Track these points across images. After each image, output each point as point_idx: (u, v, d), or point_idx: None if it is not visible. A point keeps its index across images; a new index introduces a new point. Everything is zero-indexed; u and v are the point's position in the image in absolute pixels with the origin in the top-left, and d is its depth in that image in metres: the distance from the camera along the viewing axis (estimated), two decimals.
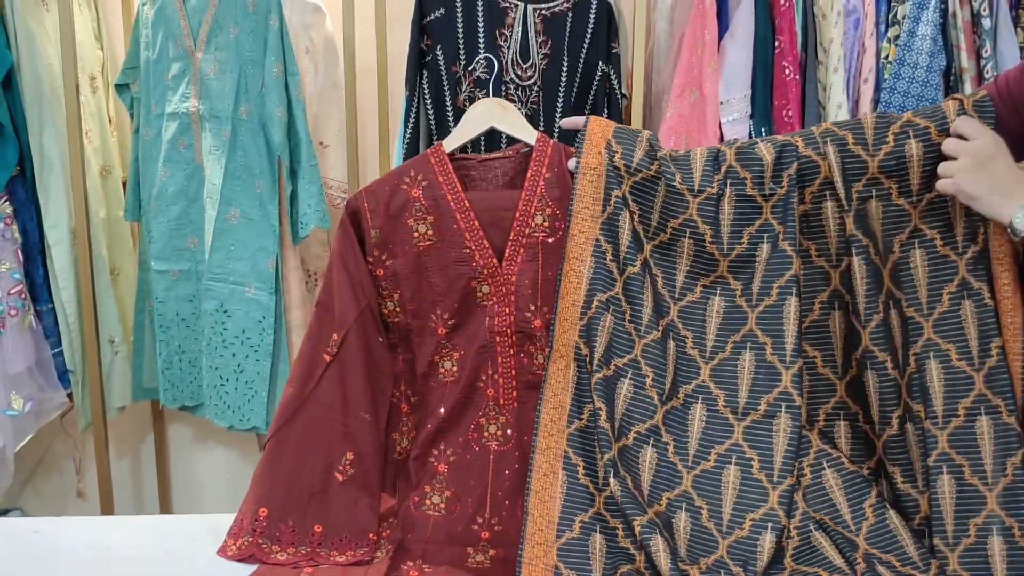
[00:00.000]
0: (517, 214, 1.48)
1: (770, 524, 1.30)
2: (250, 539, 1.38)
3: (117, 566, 1.34)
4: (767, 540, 1.28)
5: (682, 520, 1.32)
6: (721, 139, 2.11)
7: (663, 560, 1.24)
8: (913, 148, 1.27)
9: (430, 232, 1.49)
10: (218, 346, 2.23)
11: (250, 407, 2.23)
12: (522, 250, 1.48)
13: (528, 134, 1.55)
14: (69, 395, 2.42)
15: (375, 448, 1.47)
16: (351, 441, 1.45)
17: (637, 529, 1.27)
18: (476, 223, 1.49)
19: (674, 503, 1.33)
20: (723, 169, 1.34)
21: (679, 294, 1.38)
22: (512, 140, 1.64)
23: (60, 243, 2.29)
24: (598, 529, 1.32)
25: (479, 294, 1.49)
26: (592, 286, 1.40)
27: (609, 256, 1.40)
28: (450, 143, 1.57)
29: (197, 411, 2.40)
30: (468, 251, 1.48)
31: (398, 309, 1.50)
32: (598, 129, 1.45)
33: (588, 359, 1.38)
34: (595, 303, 1.39)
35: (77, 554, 1.39)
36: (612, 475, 1.31)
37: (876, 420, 1.30)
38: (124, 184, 2.50)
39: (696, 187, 1.35)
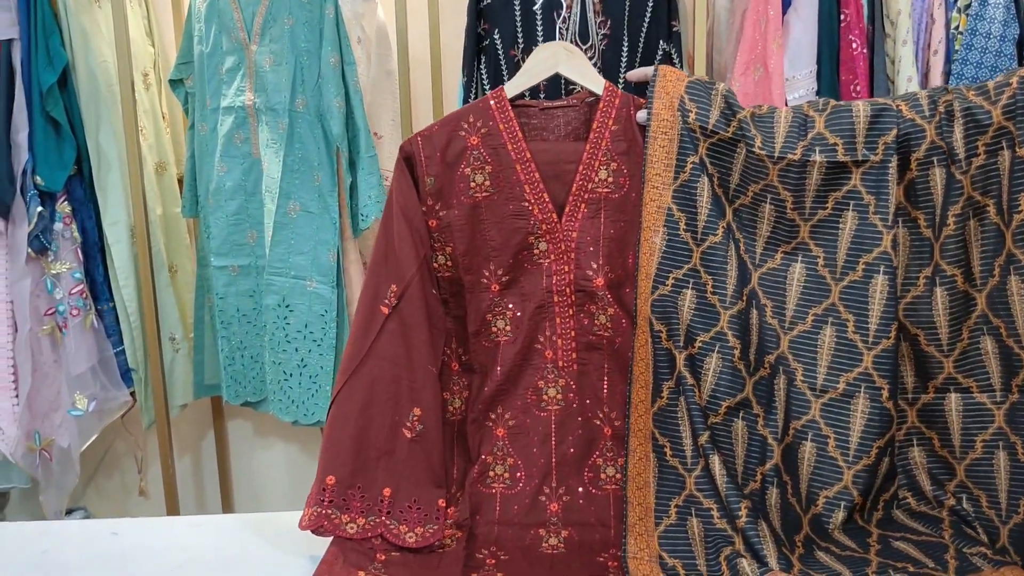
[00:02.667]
0: (580, 167, 1.41)
1: (843, 503, 1.26)
2: (319, 510, 1.32)
3: (197, 567, 1.32)
4: (838, 517, 1.25)
5: (773, 496, 1.28)
6: None
7: (770, 547, 1.20)
8: None
9: (487, 183, 1.42)
10: (281, 341, 2.21)
11: (314, 401, 2.21)
12: (583, 206, 1.40)
13: (595, 83, 1.46)
14: (132, 394, 2.42)
15: (440, 403, 1.41)
16: (417, 396, 1.38)
17: (743, 517, 1.23)
18: (537, 175, 1.41)
19: (768, 477, 1.29)
20: (809, 135, 1.27)
21: (760, 260, 1.32)
22: (574, 91, 1.56)
23: (119, 241, 2.29)
24: (693, 512, 1.27)
25: (536, 251, 1.42)
26: (664, 259, 1.34)
27: (683, 226, 1.34)
28: (512, 88, 1.48)
29: (260, 407, 2.39)
30: (527, 204, 1.41)
31: (449, 263, 1.43)
32: (671, 83, 1.36)
33: (663, 335, 1.33)
34: (671, 280, 1.33)
35: (156, 556, 1.37)
36: (710, 453, 1.27)
37: (997, 388, 1.24)
38: (179, 181, 2.49)
39: (776, 153, 1.27)
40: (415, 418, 1.38)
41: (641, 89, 1.40)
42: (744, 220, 1.33)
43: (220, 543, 1.43)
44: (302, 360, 2.21)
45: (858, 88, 2.05)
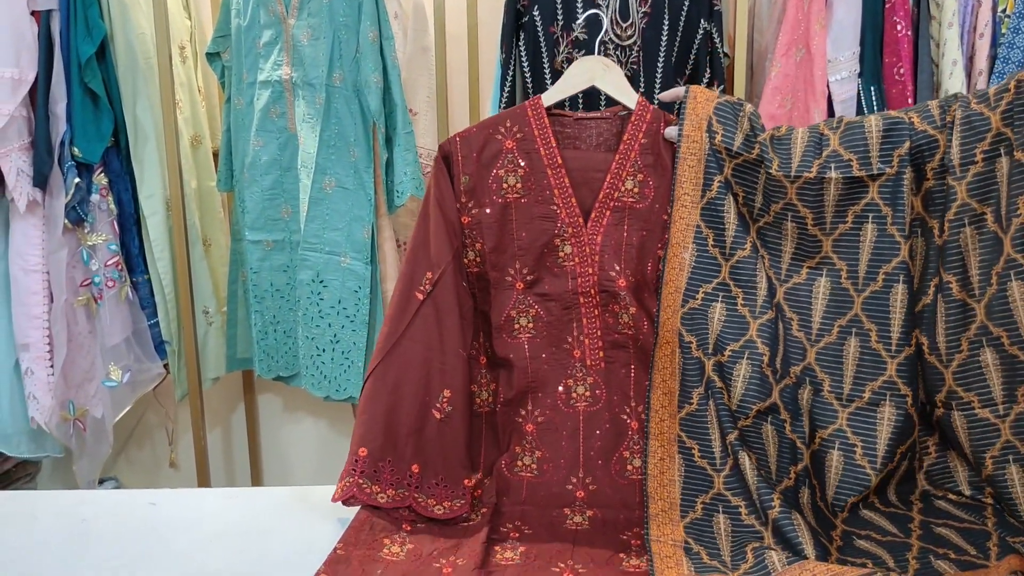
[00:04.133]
0: (608, 177, 1.47)
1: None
2: (351, 480, 1.38)
3: (231, 538, 1.33)
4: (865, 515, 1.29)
5: (805, 495, 1.29)
6: (829, 99, 2.04)
7: (806, 536, 1.20)
8: None
9: (519, 185, 1.48)
10: (314, 316, 2.22)
11: (346, 377, 2.22)
12: (608, 212, 1.46)
13: (629, 97, 1.53)
14: (165, 366, 2.43)
15: (469, 387, 1.48)
16: (448, 378, 1.45)
17: (776, 508, 1.23)
18: (567, 181, 1.48)
19: (800, 477, 1.30)
20: (824, 153, 1.29)
21: (785, 276, 1.35)
22: (612, 102, 1.60)
23: (155, 214, 2.30)
24: (720, 509, 1.29)
25: (561, 253, 1.47)
26: (694, 274, 1.38)
27: (711, 242, 1.38)
28: (549, 97, 1.56)
29: (292, 381, 2.39)
30: (555, 208, 1.47)
31: (478, 259, 1.49)
32: (700, 104, 1.41)
33: (692, 345, 1.36)
34: (701, 293, 1.37)
35: (192, 526, 1.39)
36: (740, 451, 1.28)
37: (1000, 401, 1.23)
38: (214, 154, 2.50)
39: (793, 173, 1.31)
40: (444, 399, 1.43)
41: (670, 106, 1.43)
42: (768, 238, 1.37)
43: (253, 515, 1.44)
44: (335, 336, 2.21)
45: (902, 71, 2.02)
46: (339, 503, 1.36)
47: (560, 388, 1.47)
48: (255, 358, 2.38)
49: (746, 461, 1.28)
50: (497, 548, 1.26)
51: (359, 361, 2.21)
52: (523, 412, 1.48)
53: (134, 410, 2.70)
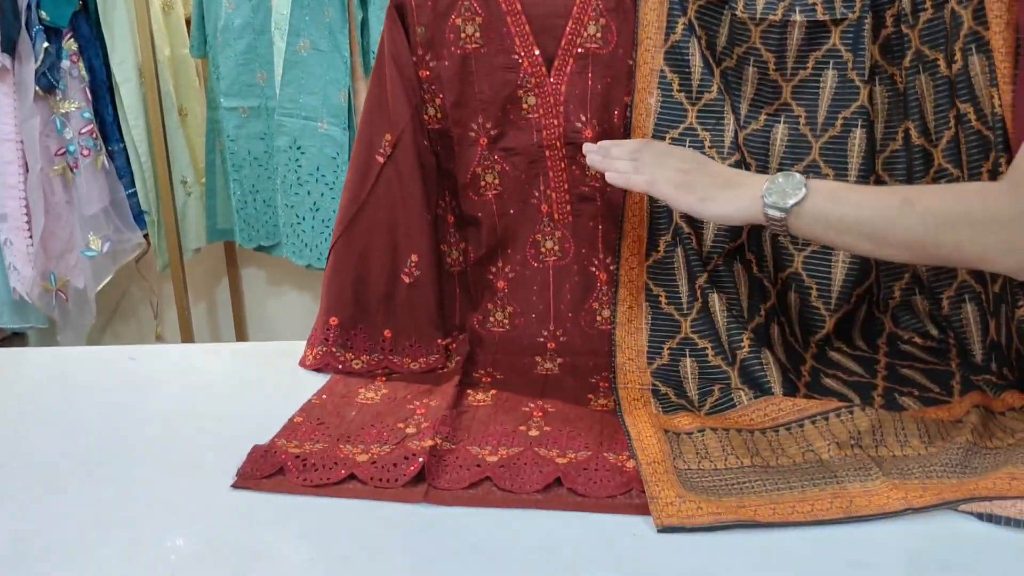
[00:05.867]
0: (570, 23, 1.39)
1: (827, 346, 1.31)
2: (324, 349, 1.38)
3: (212, 389, 1.35)
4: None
5: (775, 331, 1.30)
6: None
7: (775, 374, 1.22)
8: None
9: (478, 34, 1.40)
10: (293, 184, 2.20)
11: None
12: (572, 61, 1.39)
13: None
14: (145, 237, 2.42)
15: (436, 250, 1.45)
16: (415, 242, 1.42)
17: (745, 347, 1.25)
18: (527, 28, 1.40)
19: (771, 313, 1.31)
20: None
21: (743, 122, 1.34)
22: None
23: (128, 81, 2.26)
24: (687, 353, 1.30)
25: (524, 105, 1.41)
26: (660, 120, 1.34)
27: (676, 87, 1.34)
28: None
29: (273, 251, 2.39)
30: (517, 57, 1.40)
31: (439, 115, 1.43)
32: None
33: None
34: (667, 139, 1.34)
35: (173, 379, 1.39)
36: (710, 293, 1.29)
37: None
38: (187, 22, 2.44)
39: (758, 15, 1.28)
40: (412, 264, 1.41)
41: None
42: (730, 82, 1.34)
43: (236, 368, 1.45)
44: (314, 204, 2.20)
45: None
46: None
47: (529, 243, 1.47)
48: (236, 228, 2.38)
49: (716, 303, 1.28)
50: (469, 391, 1.27)
51: None
52: (493, 269, 1.48)
53: (117, 284, 2.71)
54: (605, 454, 1.05)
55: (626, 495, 0.98)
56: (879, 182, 1.30)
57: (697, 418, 1.16)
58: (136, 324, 2.89)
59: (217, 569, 0.85)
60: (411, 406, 1.20)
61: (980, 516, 0.91)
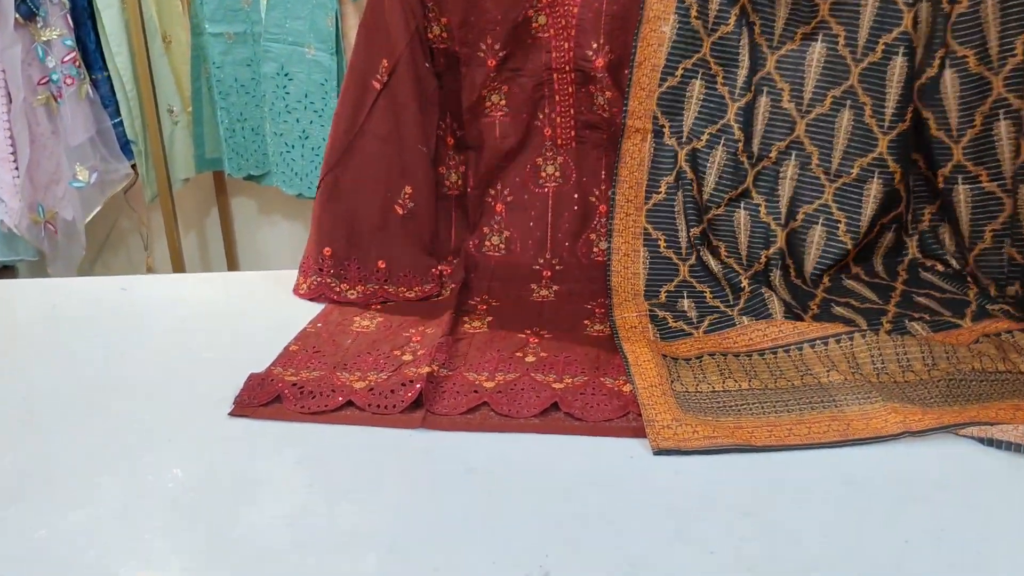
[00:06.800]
0: None
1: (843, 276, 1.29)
2: (318, 279, 1.36)
3: (205, 319, 1.34)
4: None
5: (777, 277, 1.28)
6: None
7: (776, 306, 1.20)
8: None
9: None
10: (281, 111, 2.17)
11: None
12: None
13: None
14: (133, 167, 2.39)
15: (431, 181, 1.42)
16: (408, 175, 1.39)
17: (745, 284, 1.24)
18: None
19: (772, 260, 1.29)
20: None
21: (777, 42, 1.27)
22: None
23: (110, 7, 2.20)
24: (685, 295, 1.28)
25: (535, 24, 1.36)
26: (675, 49, 1.28)
27: (694, 13, 1.27)
28: None
29: (263, 180, 2.37)
30: None
31: (444, 35, 1.38)
32: None
33: (666, 131, 1.30)
34: (680, 70, 1.29)
35: (165, 309, 1.39)
36: (705, 246, 1.27)
37: (1008, 175, 1.20)
38: None
39: None
40: (406, 195, 1.39)
41: None
42: (760, 2, 1.27)
43: (229, 297, 1.44)
44: (303, 131, 2.17)
45: None
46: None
47: (529, 167, 1.44)
48: (224, 157, 2.35)
49: (710, 258, 1.27)
50: (465, 318, 1.27)
51: None
52: (492, 192, 1.45)
53: (107, 216, 2.68)
54: (602, 379, 1.05)
55: (623, 418, 0.98)
56: (917, 113, 1.25)
57: (696, 342, 1.16)
58: (126, 256, 2.86)
59: (216, 496, 0.85)
60: (407, 334, 1.20)
61: (981, 440, 0.91)
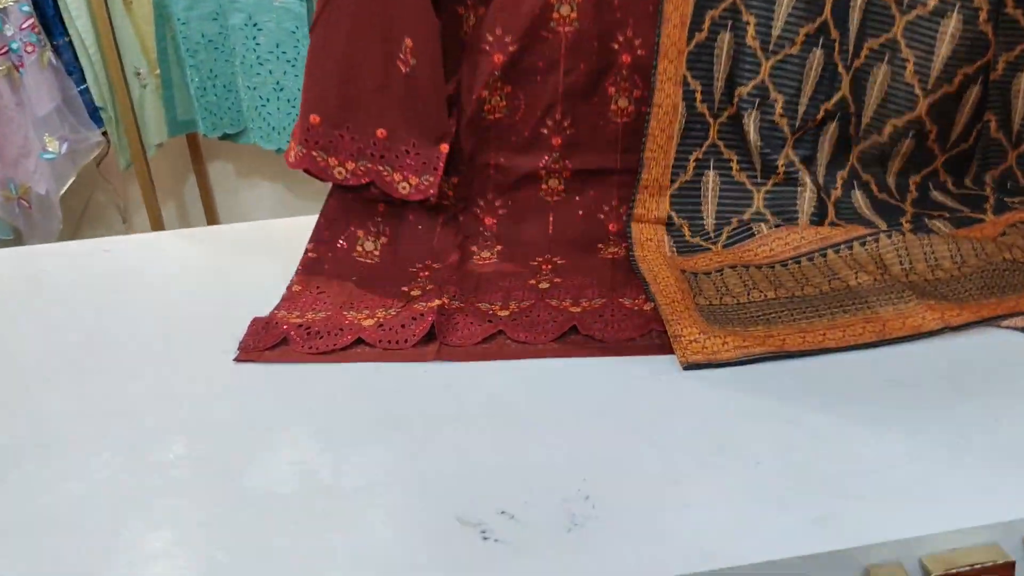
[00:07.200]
0: None
1: (912, 131, 1.13)
2: (304, 151, 1.18)
3: (195, 273, 1.28)
4: (904, 146, 1.14)
5: (832, 129, 1.15)
6: None
7: (806, 202, 1.12)
8: None
9: None
10: (253, 64, 2.09)
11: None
12: None
13: None
14: (104, 135, 2.31)
15: (435, 32, 1.19)
16: (409, 24, 1.17)
17: (781, 170, 1.13)
18: None
19: (830, 113, 1.16)
20: None
21: None
22: None
23: None
24: (711, 165, 1.17)
25: None
26: None
27: None
28: None
29: (240, 138, 2.29)
30: None
31: None
32: None
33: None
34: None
35: (152, 267, 1.33)
36: (754, 107, 1.15)
37: None
38: None
39: None
40: (407, 50, 1.18)
41: None
42: None
43: (214, 253, 1.38)
44: (277, 83, 2.10)
45: None
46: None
47: (540, 7, 1.20)
48: (198, 118, 2.27)
49: (751, 127, 1.15)
50: (473, 248, 1.20)
51: None
52: (490, 38, 1.22)
53: (81, 191, 2.60)
54: (620, 299, 1.01)
55: (646, 336, 0.94)
56: None
57: (715, 256, 1.10)
58: (105, 229, 2.79)
59: (228, 445, 0.81)
60: (413, 268, 1.14)
61: None
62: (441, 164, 1.18)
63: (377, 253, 1.16)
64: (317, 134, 1.17)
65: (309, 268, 1.13)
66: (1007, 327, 0.88)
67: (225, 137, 2.31)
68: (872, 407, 0.79)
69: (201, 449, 0.80)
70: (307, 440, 0.81)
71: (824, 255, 1.06)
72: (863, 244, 1.05)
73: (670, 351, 0.90)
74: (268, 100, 2.11)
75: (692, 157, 1.19)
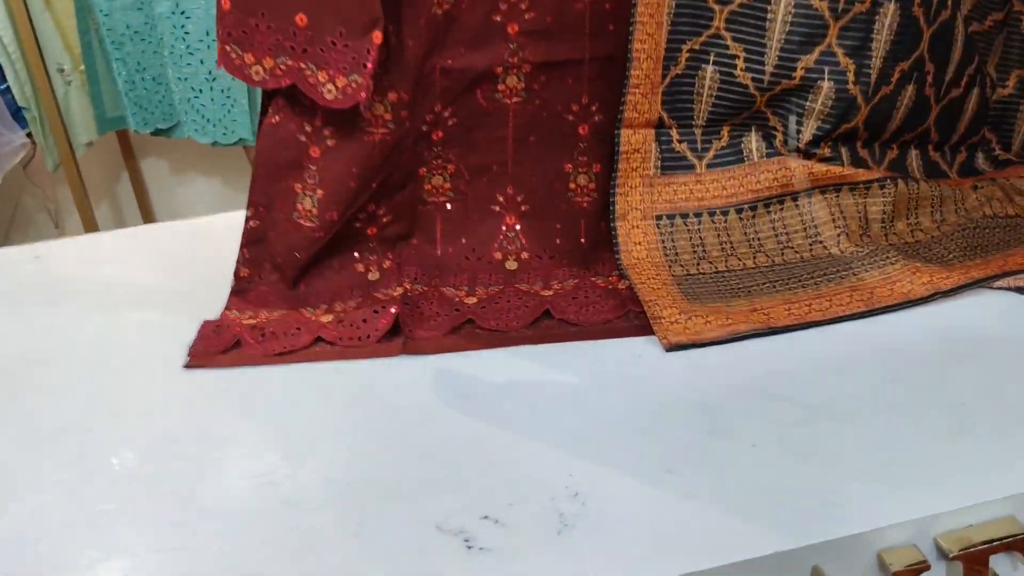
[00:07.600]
0: None
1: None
2: (220, 45, 0.98)
3: (135, 276, 1.21)
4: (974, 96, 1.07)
5: (909, 92, 1.01)
6: None
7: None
8: None
9: None
10: (182, 54, 2.00)
11: (231, 118, 2.04)
12: None
13: None
14: (29, 136, 2.20)
15: None
16: None
17: (799, 74, 0.97)
18: None
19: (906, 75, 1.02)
20: None
21: None
22: None
23: None
24: (711, 59, 0.98)
25: None
26: None
27: None
28: None
29: (173, 132, 2.20)
30: None
31: None
32: None
33: None
34: None
35: (88, 272, 1.25)
36: None
37: None
38: None
39: None
40: None
41: None
42: None
43: (154, 253, 1.30)
44: (210, 73, 2.01)
45: None
46: None
47: None
48: (127, 113, 2.17)
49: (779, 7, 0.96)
50: (423, 172, 1.01)
51: (242, 99, 2.03)
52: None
53: (7, 197, 2.49)
54: (592, 278, 0.95)
55: (623, 317, 0.89)
56: None
57: (696, 184, 0.99)
58: (36, 235, 2.68)
59: (180, 458, 0.74)
60: (359, 223, 1.00)
61: (1018, 290, 0.84)
62: (372, 58, 0.98)
63: (316, 212, 0.99)
64: (229, 23, 0.97)
65: (252, 238, 1.00)
66: (1000, 288, 0.85)
67: (157, 132, 2.21)
68: (870, 379, 0.75)
69: (152, 466, 0.74)
70: (266, 449, 0.74)
71: (809, 195, 0.97)
72: (852, 190, 0.97)
73: (651, 332, 0.85)
74: (201, 91, 2.02)
75: (685, 47, 1.01)
